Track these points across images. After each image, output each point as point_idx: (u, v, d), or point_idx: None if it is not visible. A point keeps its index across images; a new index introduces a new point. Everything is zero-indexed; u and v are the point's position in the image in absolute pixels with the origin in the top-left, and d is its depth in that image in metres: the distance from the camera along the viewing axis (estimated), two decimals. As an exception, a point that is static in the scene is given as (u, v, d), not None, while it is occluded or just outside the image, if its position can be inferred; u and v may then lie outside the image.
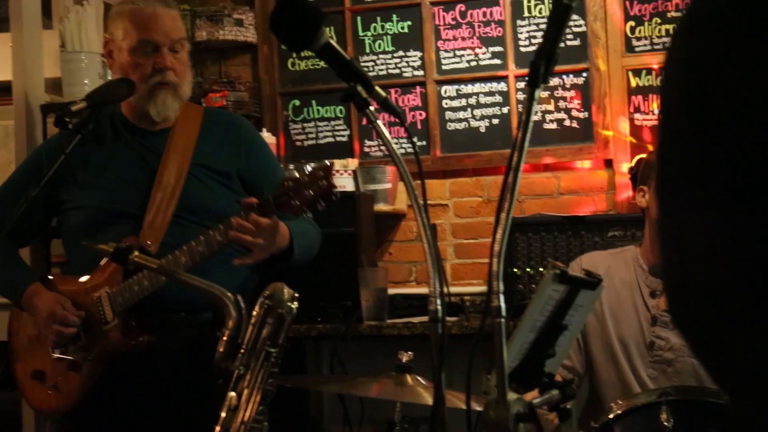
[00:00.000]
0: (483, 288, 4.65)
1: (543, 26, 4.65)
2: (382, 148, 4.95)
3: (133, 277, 2.92)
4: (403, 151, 4.57)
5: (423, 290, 4.70)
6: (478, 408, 1.88)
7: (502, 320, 1.62)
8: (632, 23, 4.67)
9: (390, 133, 1.82)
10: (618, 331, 3.16)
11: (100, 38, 4.42)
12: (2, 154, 5.56)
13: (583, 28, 4.69)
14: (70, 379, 3.02)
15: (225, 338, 2.15)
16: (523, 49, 4.78)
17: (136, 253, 2.35)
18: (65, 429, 3.21)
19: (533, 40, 4.76)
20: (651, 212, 3.18)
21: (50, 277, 3.20)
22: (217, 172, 3.10)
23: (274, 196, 2.77)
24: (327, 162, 2.79)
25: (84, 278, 3.03)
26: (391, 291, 4.33)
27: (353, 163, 4.80)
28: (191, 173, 3.06)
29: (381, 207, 4.74)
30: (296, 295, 2.16)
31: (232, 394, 2.11)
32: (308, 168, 2.75)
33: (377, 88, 1.85)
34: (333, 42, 1.85)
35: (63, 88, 4.32)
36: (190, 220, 3.00)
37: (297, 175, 2.74)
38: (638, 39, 4.67)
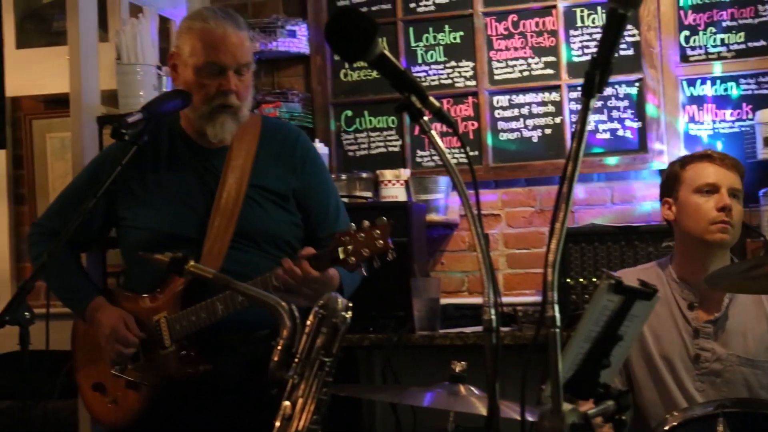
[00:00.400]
0: (535, 298, 4.66)
1: (596, 36, 4.66)
2: (435, 158, 4.95)
3: (191, 307, 2.94)
4: (455, 161, 4.57)
5: (475, 300, 4.70)
6: (532, 418, 1.88)
7: (557, 330, 1.62)
8: (686, 33, 4.63)
9: (443, 143, 1.83)
10: (660, 347, 3.13)
11: (155, 50, 4.47)
12: (59, 165, 5.64)
13: (637, 38, 4.67)
14: (129, 397, 3.04)
15: (279, 347, 2.16)
16: (576, 59, 4.76)
17: (192, 263, 2.37)
18: None
19: (586, 50, 4.74)
20: (680, 224, 3.15)
21: (111, 289, 3.23)
22: (273, 193, 3.09)
23: (329, 251, 2.77)
24: (385, 219, 2.78)
25: (145, 297, 3.05)
26: (444, 301, 4.33)
27: (405, 173, 4.81)
28: (248, 195, 3.05)
29: (433, 217, 4.74)
30: (350, 304, 2.17)
31: (287, 403, 2.12)
32: (366, 223, 2.75)
33: (431, 98, 1.85)
34: (387, 52, 1.85)
35: (119, 100, 4.36)
36: (248, 245, 3.01)
37: (354, 229, 2.74)
38: (693, 48, 4.63)
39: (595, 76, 1.64)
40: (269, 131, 3.20)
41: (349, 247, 2.74)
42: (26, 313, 2.70)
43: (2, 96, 2.59)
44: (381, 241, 2.72)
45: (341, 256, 2.75)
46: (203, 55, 3.02)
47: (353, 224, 2.79)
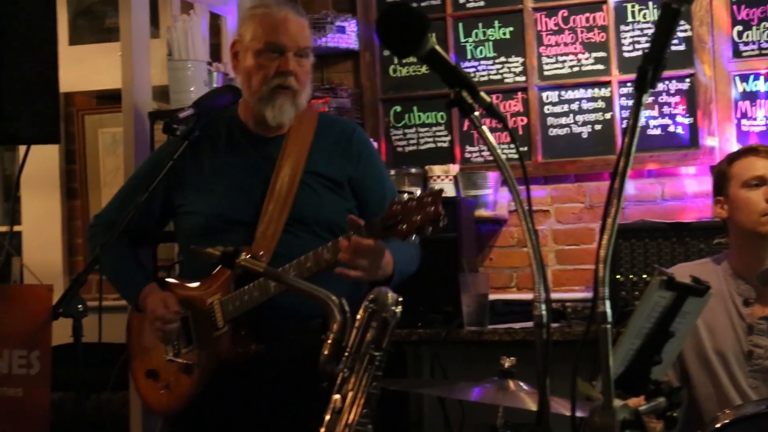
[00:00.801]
0: (584, 294, 4.64)
1: (647, 31, 4.63)
2: (484, 153, 4.95)
3: (244, 287, 2.96)
4: (504, 156, 4.57)
5: (524, 296, 4.69)
6: (583, 414, 1.87)
7: (608, 326, 1.61)
8: (739, 28, 4.59)
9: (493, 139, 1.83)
10: (714, 343, 3.11)
11: (206, 46, 4.51)
12: (111, 160, 5.70)
13: (689, 33, 4.63)
14: (182, 381, 3.07)
15: (329, 341, 2.17)
16: (626, 55, 4.73)
17: (243, 256, 2.39)
18: (175, 428, 3.28)
19: (637, 46, 4.70)
20: (733, 220, 3.14)
21: (168, 280, 3.26)
22: (328, 179, 3.11)
23: (381, 220, 2.78)
24: (436, 188, 2.78)
25: (198, 283, 3.08)
26: (492, 297, 4.33)
27: (454, 168, 4.81)
28: (303, 181, 3.07)
29: (482, 213, 4.73)
30: (400, 299, 2.17)
31: (337, 396, 2.13)
32: (417, 192, 2.75)
33: (482, 94, 1.85)
34: (438, 48, 1.85)
35: (170, 96, 4.40)
36: (302, 230, 3.03)
37: (405, 199, 2.74)
38: (745, 44, 4.59)
39: (648, 71, 1.63)
40: (326, 123, 3.23)
41: (401, 215, 2.74)
42: (79, 306, 2.73)
43: (56, 92, 2.63)
44: (432, 208, 2.71)
45: (393, 224, 2.75)
46: (263, 37, 3.07)
47: (405, 195, 2.79)
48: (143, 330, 3.16)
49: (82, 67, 5.31)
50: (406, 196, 2.77)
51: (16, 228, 5.49)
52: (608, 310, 1.62)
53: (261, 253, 2.96)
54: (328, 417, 2.12)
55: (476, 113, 1.86)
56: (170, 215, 3.22)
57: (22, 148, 3.09)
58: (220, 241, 2.93)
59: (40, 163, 5.36)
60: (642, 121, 4.52)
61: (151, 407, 3.22)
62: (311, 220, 3.05)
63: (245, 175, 3.11)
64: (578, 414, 1.85)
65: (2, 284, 4.72)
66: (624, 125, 4.72)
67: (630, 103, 4.71)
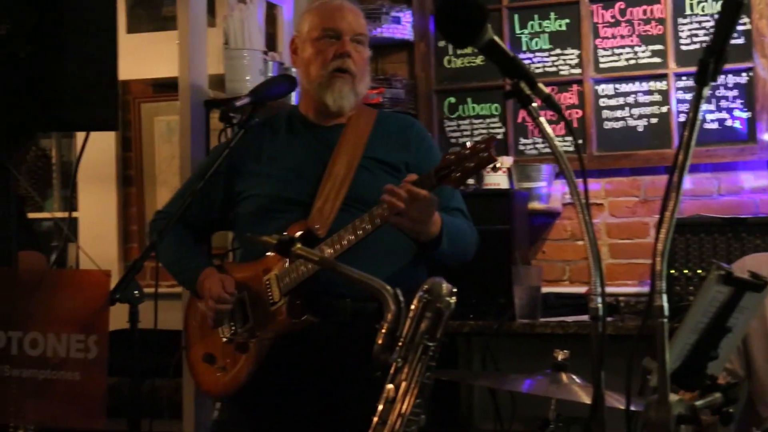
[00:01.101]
0: (638, 289, 4.62)
1: (705, 24, 4.58)
2: (538, 146, 4.93)
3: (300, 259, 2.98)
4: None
5: (577, 289, 4.67)
6: (637, 408, 1.87)
7: (665, 320, 1.61)
8: (800, 20, 4.53)
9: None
10: None
11: (262, 36, 4.53)
12: (166, 148, 5.76)
13: (748, 26, 4.57)
14: (238, 360, 3.10)
15: (384, 331, 2.17)
16: (684, 48, 4.69)
17: (299, 245, 2.40)
18: (233, 410, 3.31)
19: (695, 39, 4.66)
20: None
21: (222, 264, 3.30)
22: (386, 163, 3.14)
23: (435, 170, 2.79)
24: (491, 136, 2.79)
25: (255, 264, 3.11)
26: (545, 290, 4.32)
27: (508, 161, 4.80)
28: (361, 165, 3.10)
29: (535, 205, 4.72)
30: (454, 290, 2.17)
31: (390, 386, 2.13)
32: (469, 143, 2.77)
33: (540, 85, 1.85)
34: (497, 38, 1.85)
35: (226, 85, 4.43)
36: (358, 209, 3.04)
37: (459, 150, 2.76)
38: (806, 37, 4.53)
39: (709, 63, 1.62)
40: (385, 117, 3.29)
41: (454, 165, 2.75)
42: (136, 292, 2.76)
43: (116, 79, 2.65)
44: (485, 153, 2.71)
45: (447, 173, 2.75)
46: (320, 25, 3.15)
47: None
48: (200, 316, 3.20)
49: (140, 56, 5.36)
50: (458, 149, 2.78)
51: (73, 214, 5.55)
52: (665, 304, 1.61)
53: (317, 226, 2.99)
54: (381, 406, 2.12)
55: (534, 104, 1.85)
56: (232, 205, 3.25)
57: (80, 136, 3.13)
58: (277, 221, 2.99)
59: (97, 151, 5.42)
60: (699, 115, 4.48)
61: (209, 391, 3.25)
62: (368, 200, 3.05)
63: (303, 158, 3.15)
64: (632, 408, 1.84)
65: (61, 269, 4.78)
66: (680, 119, 4.68)
67: (687, 96, 4.67)
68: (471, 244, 3.19)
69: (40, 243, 3.97)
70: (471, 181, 4.79)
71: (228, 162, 3.12)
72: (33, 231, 4.20)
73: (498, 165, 2.78)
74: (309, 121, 3.21)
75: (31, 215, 4.82)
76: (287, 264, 3.02)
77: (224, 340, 3.13)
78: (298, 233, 2.98)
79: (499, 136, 5.01)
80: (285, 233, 2.53)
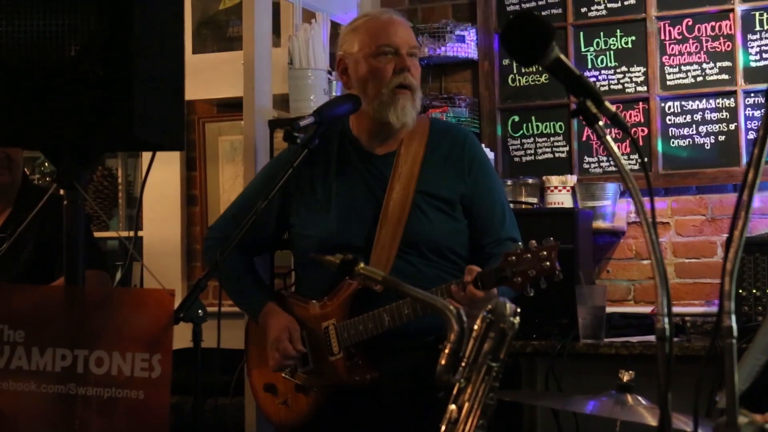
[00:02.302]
0: (704, 309, 4.55)
1: (775, 40, 4.51)
2: (602, 164, 4.89)
3: (359, 316, 2.98)
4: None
5: (642, 309, 4.62)
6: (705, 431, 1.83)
7: (734, 341, 1.57)
8: None
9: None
10: None
11: (326, 55, 4.55)
12: (230, 168, 5.79)
13: (817, 42, 4.51)
14: (299, 400, 3.11)
15: (446, 351, 2.16)
16: (753, 64, 4.63)
17: (362, 264, 2.40)
18: None
19: (765, 55, 4.59)
20: None
21: (284, 294, 3.29)
22: (440, 199, 3.11)
23: (495, 270, 2.78)
24: (553, 240, 2.77)
25: (315, 304, 3.11)
26: (609, 309, 4.27)
27: (572, 179, 4.76)
28: (415, 203, 3.07)
29: (599, 224, 4.68)
30: (518, 310, 2.15)
31: (453, 407, 2.12)
32: (533, 243, 2.75)
33: (606, 103, 1.83)
34: (563, 57, 1.84)
35: (290, 104, 4.45)
36: (413, 254, 3.03)
37: (521, 250, 2.74)
38: None
39: (781, 80, 1.59)
40: (437, 134, 3.22)
41: (515, 267, 2.73)
42: (199, 311, 2.77)
43: (182, 99, 2.68)
44: (548, 263, 2.71)
45: (507, 275, 2.75)
46: (374, 42, 3.10)
47: (520, 244, 2.79)
48: (263, 341, 3.20)
49: (204, 76, 5.40)
50: (520, 245, 2.77)
51: (138, 234, 5.61)
52: (734, 325, 1.58)
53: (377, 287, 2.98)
54: (444, 427, 2.11)
55: (600, 123, 1.84)
56: (284, 228, 3.25)
57: (145, 156, 3.16)
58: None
59: (162, 171, 5.47)
60: (767, 133, 4.41)
61: (272, 420, 3.26)
62: (422, 244, 3.05)
63: (357, 196, 3.13)
64: (700, 431, 1.81)
65: (126, 288, 4.83)
66: (749, 136, 4.62)
67: (755, 113, 4.61)
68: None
69: (106, 262, 4.01)
70: (534, 199, 4.77)
71: (283, 185, 3.12)
72: (99, 250, 4.24)
73: (560, 275, 2.77)
74: (362, 147, 3.18)
75: (97, 234, 4.87)
76: (347, 316, 3.02)
77: (284, 376, 3.13)
78: (355, 287, 2.99)
79: (563, 155, 4.97)
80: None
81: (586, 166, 4.94)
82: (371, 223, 3.07)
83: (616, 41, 4.89)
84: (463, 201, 3.12)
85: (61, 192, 2.66)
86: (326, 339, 3.04)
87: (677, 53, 4.77)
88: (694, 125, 4.73)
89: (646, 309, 4.61)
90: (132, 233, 3.65)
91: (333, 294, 3.06)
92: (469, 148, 3.20)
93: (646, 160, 4.75)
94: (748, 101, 4.63)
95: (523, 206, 4.68)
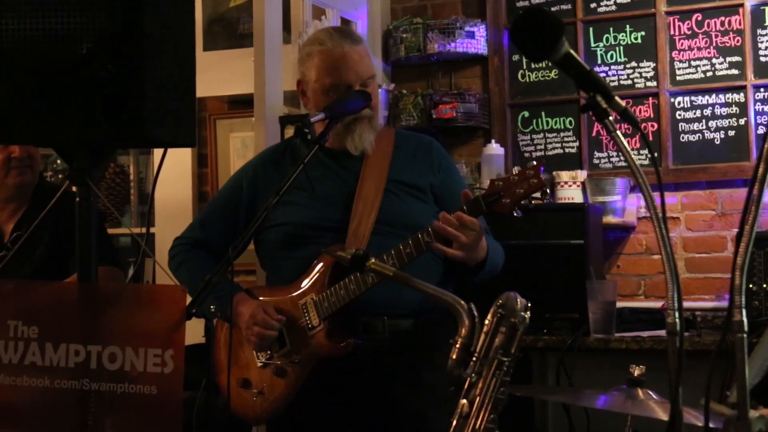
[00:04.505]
0: (714, 303, 4.56)
1: (785, 35, 4.51)
2: (612, 159, 4.89)
3: (339, 283, 3.00)
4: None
5: (652, 304, 4.63)
6: (716, 425, 1.84)
7: (744, 335, 1.58)
8: None
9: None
10: None
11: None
12: (240, 164, 5.78)
13: (827, 37, 4.50)
14: (276, 385, 3.10)
15: (458, 346, 2.17)
16: (763, 59, 4.62)
17: (373, 260, 2.41)
18: None
19: (774, 50, 4.60)
20: None
21: (251, 289, 3.30)
22: (411, 186, 3.15)
23: (484, 196, 2.79)
24: (535, 161, 2.79)
25: (287, 287, 3.12)
26: (619, 304, 4.27)
27: (582, 174, 4.77)
28: (387, 189, 3.12)
29: (610, 219, 4.68)
30: (528, 305, 2.16)
31: (464, 401, 2.13)
32: (517, 168, 2.76)
33: (616, 98, 1.84)
34: (573, 52, 1.84)
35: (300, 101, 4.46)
36: (390, 232, 3.05)
37: (506, 175, 2.76)
38: None
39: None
40: (403, 138, 3.29)
41: (503, 191, 2.75)
42: (211, 307, 2.78)
43: (194, 96, 2.69)
44: (534, 180, 2.71)
45: (495, 198, 2.76)
46: (328, 77, 3.13)
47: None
48: (235, 341, 3.19)
49: (216, 73, 5.42)
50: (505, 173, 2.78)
51: (150, 230, 5.62)
52: (745, 319, 1.59)
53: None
54: (455, 422, 2.12)
55: (610, 118, 1.84)
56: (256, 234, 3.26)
57: (157, 152, 3.17)
58: (309, 248, 3.04)
59: (174, 167, 5.49)
60: (778, 127, 4.42)
61: (246, 417, 3.23)
62: (398, 223, 3.07)
63: (330, 186, 3.16)
64: (711, 425, 1.81)
65: (138, 284, 4.84)
66: (759, 131, 4.62)
67: (765, 108, 4.61)
68: (501, 263, 3.20)
69: (119, 258, 4.03)
70: (537, 195, 4.77)
71: (250, 188, 3.18)
72: (112, 246, 4.26)
73: (547, 190, 2.76)
74: (331, 150, 3.20)
75: (110, 231, 4.89)
76: (324, 287, 3.03)
77: (259, 365, 3.14)
78: (333, 262, 3.00)
79: (573, 150, 4.98)
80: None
81: (596, 161, 4.94)
82: (346, 206, 3.11)
83: (626, 36, 4.89)
84: (433, 190, 3.17)
85: (74, 189, 2.67)
86: (304, 315, 3.06)
87: (687, 48, 4.77)
88: (703, 120, 4.73)
89: (657, 304, 4.62)
90: (144, 230, 3.66)
91: (307, 274, 3.08)
92: (436, 150, 3.27)
93: (656, 155, 4.76)
94: (758, 96, 4.63)
95: (533, 201, 4.69)
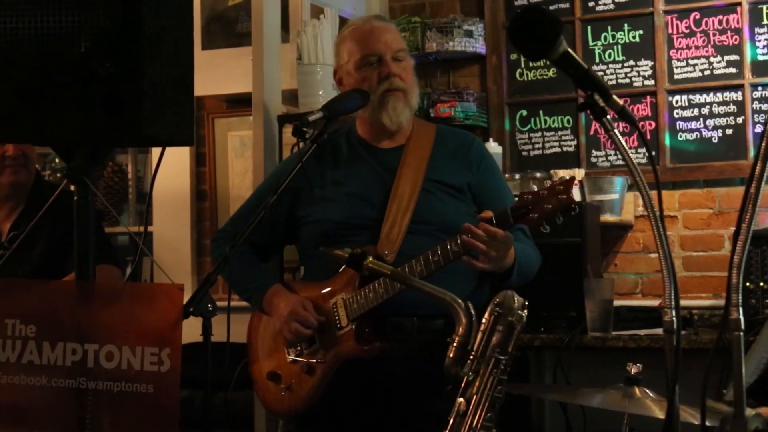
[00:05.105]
0: (712, 302, 4.56)
1: (783, 34, 4.51)
2: (610, 158, 4.90)
3: (368, 285, 2.99)
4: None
5: (649, 302, 4.63)
6: (712, 423, 1.84)
7: (741, 334, 1.59)
8: None
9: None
10: None
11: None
12: (239, 163, 5.81)
13: (825, 35, 4.51)
14: (304, 382, 3.11)
15: (455, 344, 2.17)
16: (761, 58, 4.63)
17: (371, 259, 2.41)
18: (298, 430, 3.32)
19: (772, 48, 4.61)
20: None
21: (288, 282, 3.31)
22: (448, 185, 3.13)
23: (512, 209, 2.77)
24: (567, 176, 2.75)
25: (321, 284, 3.13)
26: (617, 303, 4.27)
27: (580, 173, 4.77)
28: (424, 188, 3.10)
29: (607, 218, 4.68)
30: (526, 303, 2.17)
31: (461, 399, 2.13)
32: (548, 182, 2.73)
33: (614, 97, 1.84)
34: (571, 51, 1.85)
35: (299, 99, 4.46)
36: (424, 232, 3.04)
37: (536, 188, 2.73)
38: None
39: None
40: (444, 135, 3.27)
41: (531, 204, 2.72)
42: (209, 305, 2.78)
43: (192, 95, 2.69)
44: (564, 196, 2.67)
45: (523, 212, 2.73)
46: (358, 53, 3.16)
47: (535, 186, 2.77)
48: (265, 332, 3.21)
49: (214, 71, 5.42)
50: (536, 186, 2.75)
51: (148, 229, 5.63)
52: (741, 317, 1.59)
53: (386, 252, 3.00)
54: (451, 420, 2.13)
55: (608, 117, 1.85)
56: (295, 227, 3.27)
57: (155, 151, 3.18)
58: (342, 246, 2.97)
59: (172, 166, 5.49)
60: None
61: (273, 410, 3.26)
62: (433, 222, 3.06)
63: (367, 183, 3.16)
64: (708, 423, 1.82)
65: (135, 283, 4.84)
66: (756, 130, 4.62)
67: (763, 107, 4.61)
68: (536, 268, 3.19)
69: (117, 257, 4.03)
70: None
71: (292, 183, 3.15)
72: (110, 245, 4.26)
73: (576, 207, 2.72)
74: (369, 144, 3.22)
75: (108, 230, 4.89)
76: (356, 288, 3.03)
77: (289, 360, 3.14)
78: None
79: (571, 149, 4.98)
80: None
81: (593, 159, 4.94)
82: (381, 205, 3.10)
83: (624, 35, 4.89)
84: (471, 189, 3.15)
85: (72, 188, 2.67)
86: (334, 314, 3.06)
87: (685, 47, 4.77)
88: (701, 119, 4.73)
89: (654, 302, 4.62)
90: (142, 228, 3.66)
91: (340, 273, 3.08)
92: (476, 149, 3.25)
93: (653, 153, 4.76)
94: (755, 95, 4.64)
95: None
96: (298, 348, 3.13)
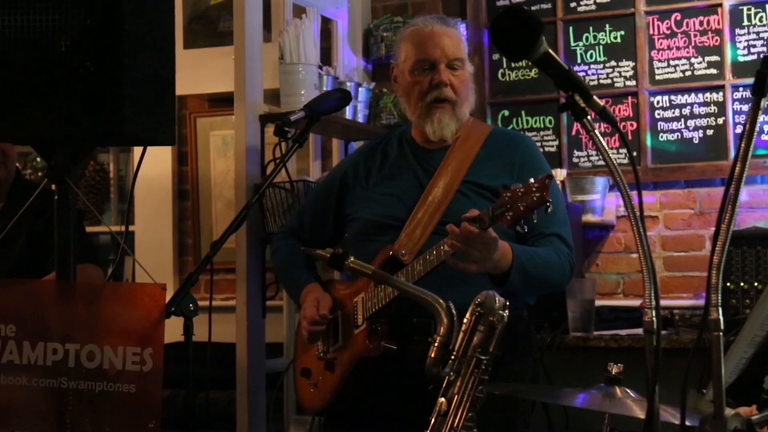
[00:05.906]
0: (692, 302, 4.58)
1: (763, 35, 4.53)
2: (592, 158, 4.91)
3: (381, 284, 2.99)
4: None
5: (631, 302, 4.65)
6: (692, 423, 1.85)
7: (721, 334, 1.59)
8: None
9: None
10: None
11: (317, 50, 4.56)
12: (221, 162, 5.80)
13: (806, 36, 4.53)
14: (327, 379, 3.14)
15: (436, 344, 2.18)
16: (741, 59, 4.64)
17: (352, 259, 2.41)
18: (326, 426, 3.39)
19: (752, 50, 4.61)
20: None
21: (329, 280, 3.35)
22: (484, 187, 3.10)
23: (492, 208, 2.76)
24: (546, 174, 2.73)
25: (350, 284, 3.18)
26: (598, 303, 4.28)
27: (561, 173, 4.78)
28: (459, 190, 3.08)
29: (589, 218, 4.69)
30: (507, 303, 2.17)
31: (442, 399, 2.14)
32: (531, 180, 2.70)
33: (595, 98, 1.85)
34: (552, 51, 1.85)
35: (281, 99, 4.46)
36: None
37: (516, 188, 2.71)
38: None
39: (767, 74, 1.61)
40: (495, 137, 3.23)
41: (509, 204, 2.70)
42: (191, 305, 2.78)
43: (173, 94, 2.69)
44: (537, 194, 2.65)
45: (500, 212, 2.71)
46: (414, 55, 3.13)
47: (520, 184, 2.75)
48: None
49: (196, 71, 5.41)
50: (519, 185, 2.72)
51: (129, 228, 5.61)
52: (721, 317, 1.60)
53: (403, 252, 2.99)
54: (433, 420, 2.13)
55: (588, 117, 1.85)
56: (342, 225, 3.30)
57: (137, 150, 3.17)
58: (374, 243, 3.04)
59: (153, 165, 5.48)
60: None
61: (303, 405, 3.32)
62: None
63: (403, 182, 3.17)
64: (688, 423, 1.83)
65: (117, 282, 4.83)
66: (737, 130, 4.64)
67: (743, 108, 4.63)
68: (555, 275, 3.11)
69: (98, 256, 4.02)
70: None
71: (343, 182, 3.22)
72: (91, 244, 4.25)
73: (549, 204, 2.69)
74: (417, 144, 3.23)
75: (89, 229, 4.88)
76: (372, 288, 3.03)
77: (318, 357, 3.17)
78: (383, 258, 3.00)
79: (553, 149, 4.99)
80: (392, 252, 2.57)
81: (575, 160, 4.95)
82: (413, 205, 3.10)
83: (605, 36, 4.90)
84: None
85: (53, 187, 2.67)
86: (353, 313, 3.07)
87: (666, 48, 4.78)
88: (682, 119, 4.75)
89: (635, 302, 4.64)
90: (123, 228, 3.65)
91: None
92: (523, 150, 3.20)
93: (634, 154, 4.77)
94: (736, 95, 4.65)
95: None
96: (325, 345, 3.16)
